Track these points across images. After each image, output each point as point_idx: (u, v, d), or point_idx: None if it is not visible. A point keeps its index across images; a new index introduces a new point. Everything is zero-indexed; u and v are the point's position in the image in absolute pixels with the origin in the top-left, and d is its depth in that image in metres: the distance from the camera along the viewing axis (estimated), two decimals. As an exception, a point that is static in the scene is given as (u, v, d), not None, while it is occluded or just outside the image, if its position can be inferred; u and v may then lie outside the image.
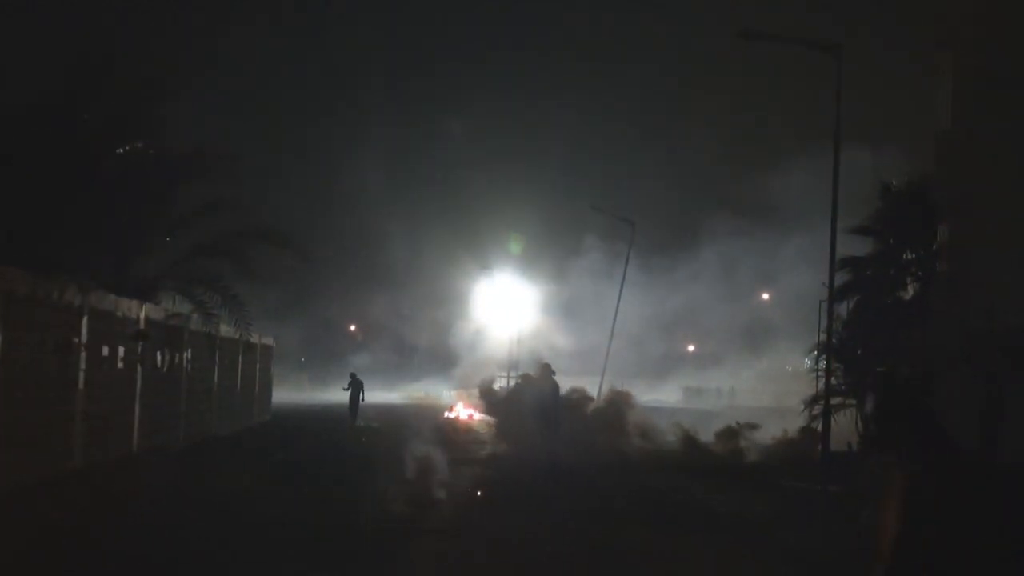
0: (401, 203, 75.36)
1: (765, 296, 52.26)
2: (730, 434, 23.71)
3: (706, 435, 23.92)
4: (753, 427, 23.92)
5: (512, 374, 30.68)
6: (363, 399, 31.37)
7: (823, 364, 20.91)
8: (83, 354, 14.77)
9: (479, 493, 15.49)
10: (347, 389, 31.05)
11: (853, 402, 21.07)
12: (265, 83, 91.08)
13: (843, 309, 21.98)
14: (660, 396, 47.88)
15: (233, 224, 20.79)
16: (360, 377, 31.55)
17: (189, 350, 20.78)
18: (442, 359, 55.11)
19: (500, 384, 31.22)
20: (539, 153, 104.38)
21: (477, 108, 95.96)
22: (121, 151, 18.53)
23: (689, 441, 23.30)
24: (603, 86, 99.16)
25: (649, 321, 44.97)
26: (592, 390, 28.76)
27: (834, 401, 20.33)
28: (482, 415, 31.04)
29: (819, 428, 19.81)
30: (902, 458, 3.77)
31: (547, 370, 22.36)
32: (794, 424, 22.76)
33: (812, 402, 21.91)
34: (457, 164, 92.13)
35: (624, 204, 65.90)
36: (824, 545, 11.93)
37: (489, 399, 28.94)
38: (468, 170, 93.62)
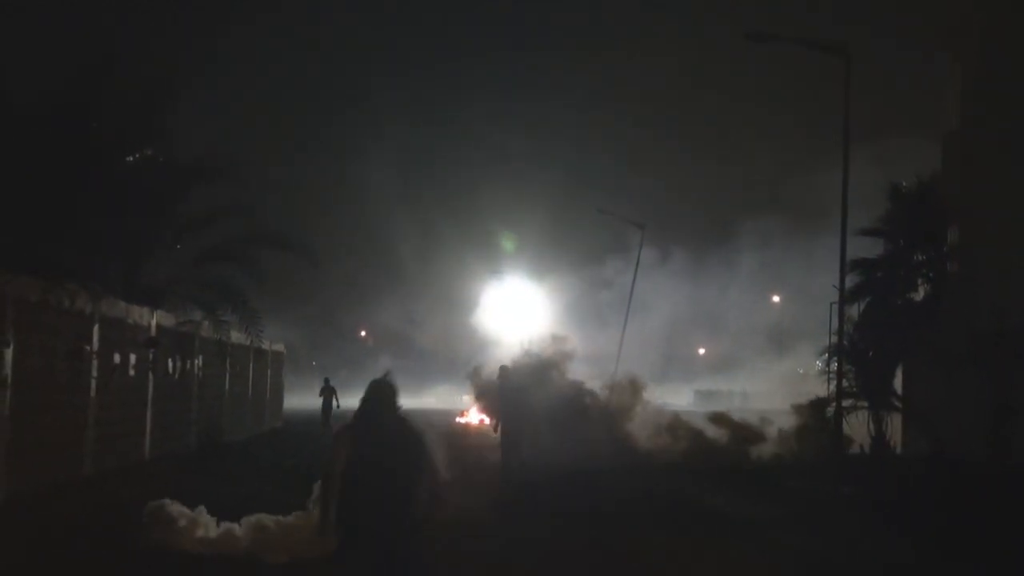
0: (411, 207, 75.55)
1: (776, 298, 52.20)
2: (724, 421, 23.57)
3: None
4: (754, 434, 23.49)
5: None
6: (337, 406, 30.79)
7: (834, 366, 20.86)
8: (95, 361, 14.84)
9: (489, 496, 15.47)
10: (320, 395, 31.09)
11: (865, 404, 20.98)
12: (272, 87, 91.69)
13: (854, 311, 21.88)
14: (671, 399, 47.74)
15: (241, 229, 20.83)
16: (334, 384, 31.72)
17: (200, 357, 20.84)
18: (456, 364, 54.93)
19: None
20: (550, 157, 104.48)
21: (485, 111, 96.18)
22: (130, 158, 18.56)
23: (693, 434, 22.91)
24: (614, 89, 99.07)
25: (662, 324, 44.89)
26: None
27: (845, 403, 20.29)
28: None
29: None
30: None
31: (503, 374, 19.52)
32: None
33: (824, 404, 21.79)
34: (467, 168, 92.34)
35: (636, 207, 65.81)
36: (834, 549, 11.88)
37: (488, 396, 23.36)
38: (478, 173, 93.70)
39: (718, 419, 23.97)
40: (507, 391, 18.76)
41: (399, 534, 6.58)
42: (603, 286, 46.06)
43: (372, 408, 6.84)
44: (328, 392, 31.12)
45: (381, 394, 6.86)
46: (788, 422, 23.24)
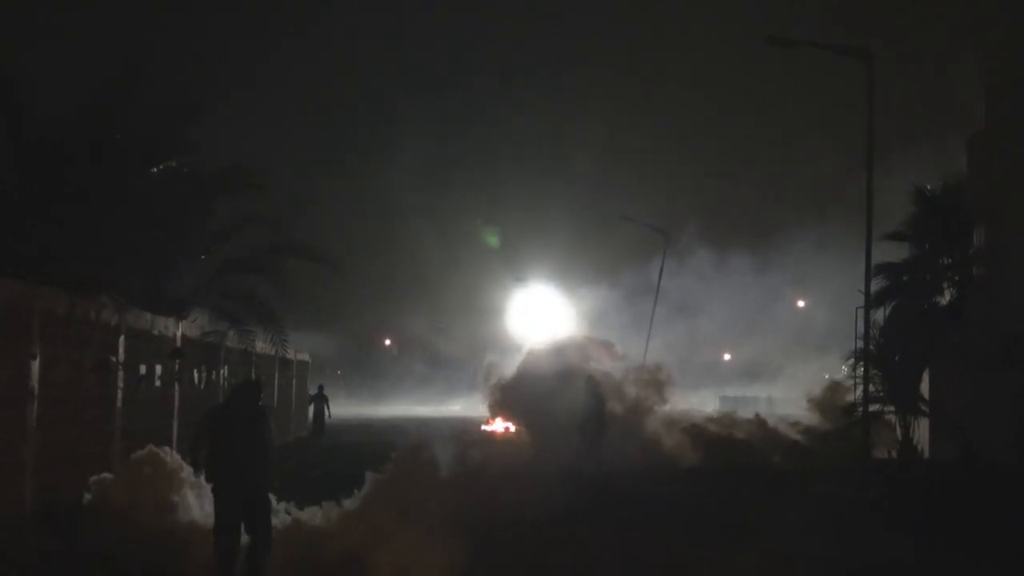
0: (433, 216, 75.60)
1: (801, 303, 51.89)
2: (727, 421, 23.42)
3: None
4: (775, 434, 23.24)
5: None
6: (329, 416, 30.48)
7: (860, 371, 20.75)
8: (121, 372, 14.95)
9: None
10: (311, 403, 30.19)
11: (892, 409, 20.85)
12: (294, 96, 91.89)
13: (880, 315, 21.73)
14: (697, 404, 47.39)
15: (266, 239, 20.81)
16: (327, 392, 30.85)
17: (226, 367, 20.95)
18: (481, 371, 54.60)
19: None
20: (573, 165, 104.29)
21: (509, 120, 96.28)
22: (155, 169, 18.64)
23: (717, 436, 22.61)
24: (632, 96, 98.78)
25: (690, 329, 44.71)
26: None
27: (872, 408, 20.17)
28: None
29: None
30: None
31: (591, 383, 19.62)
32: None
33: (851, 409, 21.64)
34: (491, 175, 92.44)
35: (659, 213, 65.63)
36: (858, 557, 11.79)
37: (500, 397, 22.50)
38: (503, 180, 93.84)
39: (719, 420, 23.78)
40: (590, 398, 19.14)
41: (253, 483, 9.15)
42: (647, 292, 45.55)
43: (235, 400, 9.55)
44: (320, 400, 30.14)
45: (244, 391, 9.60)
46: (810, 420, 23.18)
